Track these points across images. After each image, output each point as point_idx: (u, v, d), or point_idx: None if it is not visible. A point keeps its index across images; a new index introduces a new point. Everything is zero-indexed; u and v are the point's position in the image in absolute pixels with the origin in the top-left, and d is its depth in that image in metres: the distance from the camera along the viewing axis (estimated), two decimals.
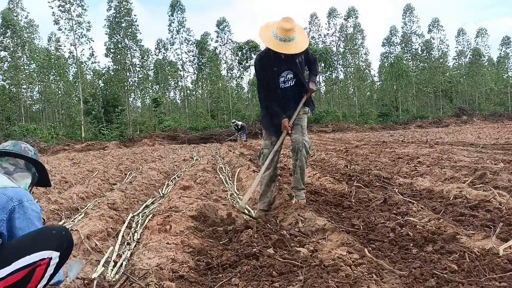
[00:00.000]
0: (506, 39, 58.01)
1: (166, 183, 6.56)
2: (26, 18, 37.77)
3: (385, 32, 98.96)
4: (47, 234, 1.66)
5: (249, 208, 3.85)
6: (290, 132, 3.70)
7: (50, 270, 1.65)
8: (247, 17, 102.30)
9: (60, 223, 3.66)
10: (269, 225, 3.16)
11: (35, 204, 1.79)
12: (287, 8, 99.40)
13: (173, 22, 44.17)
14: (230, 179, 6.99)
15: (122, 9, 35.94)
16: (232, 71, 48.02)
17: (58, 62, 38.95)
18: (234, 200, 4.90)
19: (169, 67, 48.09)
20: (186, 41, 45.06)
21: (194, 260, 2.50)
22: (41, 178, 2.08)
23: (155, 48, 47.68)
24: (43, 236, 1.64)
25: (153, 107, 39.60)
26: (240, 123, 22.03)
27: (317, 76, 3.83)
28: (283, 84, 3.70)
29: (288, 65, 3.63)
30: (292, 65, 3.64)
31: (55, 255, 1.64)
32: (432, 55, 52.72)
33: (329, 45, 48.56)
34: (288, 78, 3.70)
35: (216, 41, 46.62)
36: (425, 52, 52.59)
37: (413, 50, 53.23)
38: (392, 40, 53.03)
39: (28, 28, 38.05)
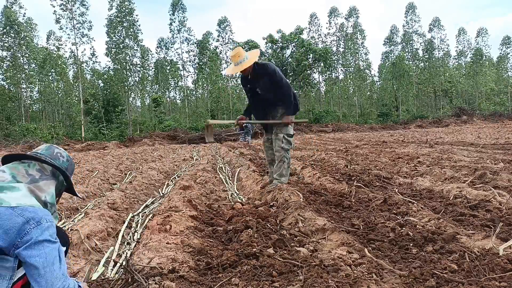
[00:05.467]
0: (506, 38, 58.03)
1: (166, 183, 6.56)
2: (24, 16, 37.75)
3: (384, 32, 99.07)
4: (61, 232, 1.80)
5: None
6: (235, 127, 5.37)
7: None
8: (240, 17, 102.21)
9: (60, 223, 3.66)
10: (269, 225, 3.16)
11: (53, 226, 1.69)
12: (282, 7, 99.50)
13: (174, 22, 44.20)
14: (230, 179, 6.99)
15: (124, 8, 35.93)
16: None
17: (58, 61, 38.95)
18: (234, 200, 4.90)
19: (169, 66, 48.10)
20: (187, 40, 45.09)
21: (194, 260, 2.49)
22: (69, 186, 2.00)
23: (156, 47, 47.75)
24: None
25: (153, 107, 39.61)
26: None
27: (287, 104, 4.84)
28: (257, 95, 4.92)
29: (256, 84, 4.81)
30: (258, 84, 4.80)
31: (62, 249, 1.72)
32: (433, 55, 52.74)
33: (329, 45, 48.55)
34: (258, 92, 4.89)
35: (217, 40, 46.67)
36: (426, 52, 52.58)
37: (414, 49, 53.24)
38: (393, 39, 53.04)
39: (28, 27, 38.03)
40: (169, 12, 43.99)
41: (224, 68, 47.32)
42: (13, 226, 1.55)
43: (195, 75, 47.30)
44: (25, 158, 1.86)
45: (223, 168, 8.41)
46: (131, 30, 36.68)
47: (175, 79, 49.88)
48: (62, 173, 1.92)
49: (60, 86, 42.19)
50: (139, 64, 39.93)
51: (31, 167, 1.82)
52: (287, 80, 4.97)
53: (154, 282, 2.06)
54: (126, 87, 37.62)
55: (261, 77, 4.75)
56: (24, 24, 36.90)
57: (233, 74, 5.03)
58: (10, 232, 1.54)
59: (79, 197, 2.22)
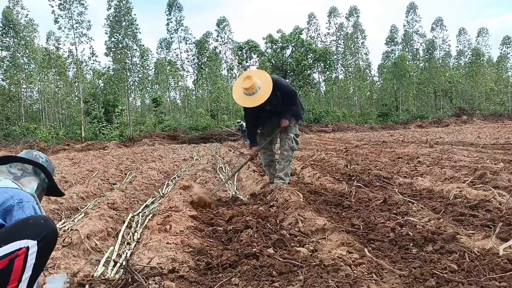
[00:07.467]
0: (506, 38, 57.99)
1: (166, 183, 6.56)
2: (26, 17, 37.71)
3: (383, 32, 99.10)
4: (23, 224, 1.67)
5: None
6: (254, 158, 5.19)
7: (31, 260, 1.62)
8: (239, 17, 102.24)
9: (60, 222, 3.66)
10: (269, 225, 3.16)
11: (36, 207, 1.80)
12: (282, 7, 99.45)
13: (171, 21, 44.16)
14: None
15: (122, 8, 35.91)
16: (232, 71, 48.01)
17: (58, 61, 38.90)
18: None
19: (169, 66, 48.03)
20: (185, 40, 45.03)
21: (194, 260, 2.49)
22: (51, 185, 2.14)
23: (157, 46, 47.68)
24: (19, 227, 1.65)
25: (153, 107, 39.59)
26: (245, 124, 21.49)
27: (291, 111, 4.84)
28: (264, 110, 4.80)
29: (267, 102, 4.56)
30: (269, 101, 4.57)
31: (31, 243, 1.61)
32: (434, 55, 52.70)
33: (329, 45, 48.49)
34: (268, 108, 4.76)
35: (216, 40, 46.62)
36: (427, 52, 52.54)
37: (414, 50, 53.20)
38: (395, 39, 53.01)
39: (28, 27, 37.97)
40: (165, 12, 43.95)
41: (224, 68, 47.31)
42: None
43: (195, 75, 47.25)
44: (6, 161, 1.99)
45: (223, 168, 8.41)
46: (130, 29, 36.63)
47: (175, 79, 49.82)
48: (43, 169, 2.05)
49: (60, 86, 42.13)
50: (139, 64, 39.89)
51: (12, 167, 1.97)
52: (294, 88, 4.98)
53: (154, 282, 2.06)
54: (126, 87, 37.58)
55: (273, 93, 4.57)
56: (25, 25, 36.84)
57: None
58: None
59: (63, 194, 2.30)
